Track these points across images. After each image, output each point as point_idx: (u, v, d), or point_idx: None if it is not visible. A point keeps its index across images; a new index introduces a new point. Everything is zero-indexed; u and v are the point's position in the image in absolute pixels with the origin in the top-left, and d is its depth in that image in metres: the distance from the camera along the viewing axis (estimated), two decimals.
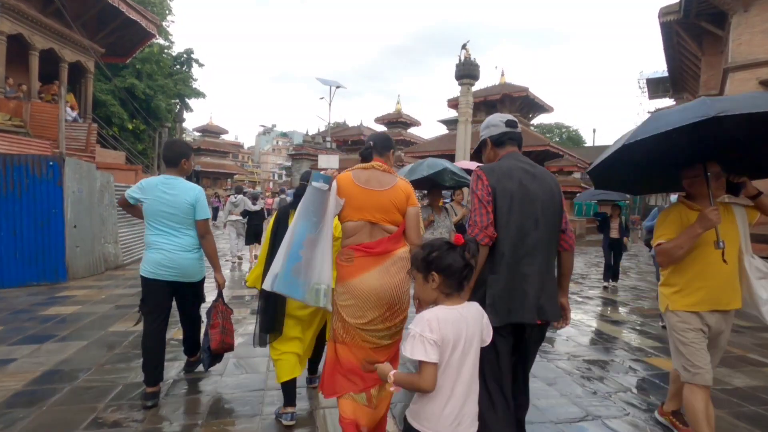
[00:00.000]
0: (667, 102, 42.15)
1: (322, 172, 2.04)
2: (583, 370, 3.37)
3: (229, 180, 39.73)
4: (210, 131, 42.06)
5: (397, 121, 37.32)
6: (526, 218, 1.67)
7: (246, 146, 75.19)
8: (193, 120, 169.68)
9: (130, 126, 19.00)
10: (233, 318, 2.96)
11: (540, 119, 38.72)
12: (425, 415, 1.31)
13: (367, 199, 1.94)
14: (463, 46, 19.19)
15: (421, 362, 1.25)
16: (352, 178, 1.98)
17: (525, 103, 30.28)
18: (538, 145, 26.65)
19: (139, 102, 18.73)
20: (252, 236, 8.52)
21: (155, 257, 2.48)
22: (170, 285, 2.55)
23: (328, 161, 19.21)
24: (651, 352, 3.87)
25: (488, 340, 1.42)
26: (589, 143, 49.84)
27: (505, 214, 1.66)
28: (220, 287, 2.73)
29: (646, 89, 41.61)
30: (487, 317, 1.43)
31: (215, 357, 2.77)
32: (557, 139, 47.93)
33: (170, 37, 22.81)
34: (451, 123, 49.81)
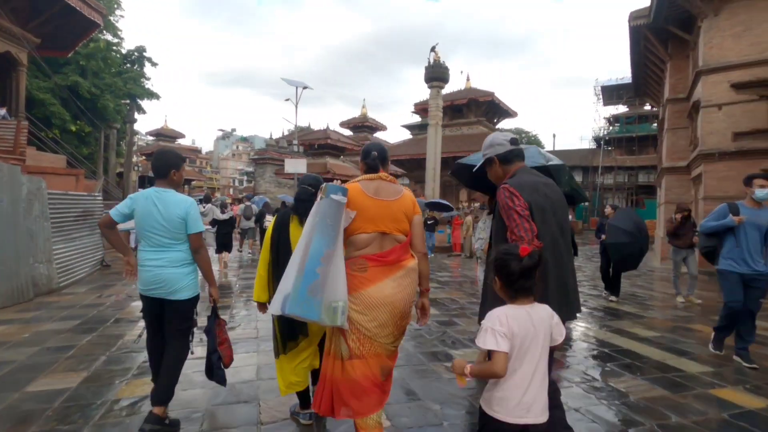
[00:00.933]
0: (621, 108, 44.19)
1: (334, 183, 1.96)
2: (657, 415, 2.72)
3: (186, 187, 37.55)
4: (165, 135, 39.75)
5: (363, 125, 36.76)
6: (555, 227, 1.84)
7: (204, 151, 72.09)
8: (147, 123, 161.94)
9: (73, 128, 17.15)
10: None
11: (502, 124, 39.16)
12: (497, 401, 1.44)
13: (381, 210, 1.93)
14: (432, 49, 18.89)
15: (492, 351, 1.39)
16: (362, 189, 1.94)
17: (490, 108, 30.50)
18: None
19: (84, 102, 16.95)
20: (221, 245, 8.29)
21: (145, 277, 2.39)
22: (161, 302, 2.42)
23: (296, 165, 18.11)
24: (711, 381, 3.29)
25: (559, 339, 1.52)
26: (549, 147, 51.30)
27: (541, 225, 1.78)
28: (215, 302, 2.57)
29: (601, 96, 43.62)
30: (557, 318, 1.53)
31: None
32: None
33: (119, 32, 21.03)
34: (415, 128, 50.18)
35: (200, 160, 62.42)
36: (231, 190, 56.36)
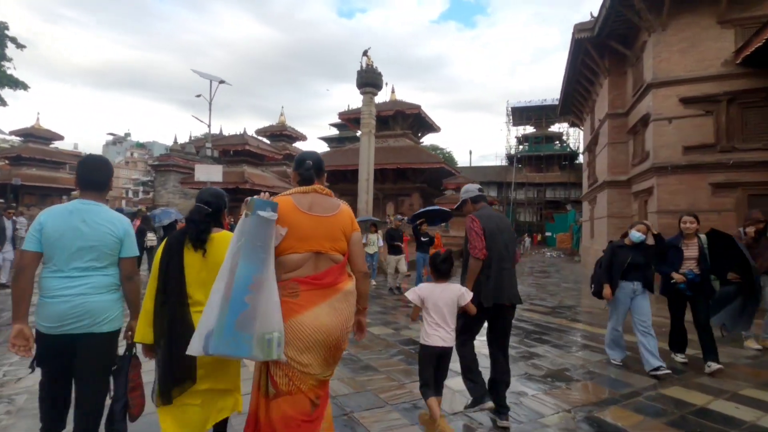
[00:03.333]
0: (529, 129, 47.28)
1: (259, 197, 1.72)
2: None
3: (64, 197, 31.31)
4: (36, 136, 33.04)
5: (282, 134, 34.24)
6: (501, 244, 2.78)
7: None
8: (11, 120, 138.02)
9: None
10: None
11: (425, 138, 39.28)
12: (427, 336, 2.63)
13: (315, 227, 1.80)
14: (365, 53, 17.46)
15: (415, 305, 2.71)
16: (294, 204, 1.80)
17: (416, 121, 29.95)
18: (434, 163, 26.39)
19: None
20: None
21: (59, 309, 1.93)
22: (75, 338, 1.97)
23: (209, 173, 15.32)
24: None
25: (462, 303, 2.64)
26: (465, 164, 52.87)
27: (490, 241, 2.73)
28: (133, 337, 2.06)
29: (511, 117, 46.28)
30: (464, 291, 2.66)
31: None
32: None
33: None
34: (333, 141, 48.78)
35: None
36: (124, 202, 49.25)
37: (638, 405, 3.07)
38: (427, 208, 9.35)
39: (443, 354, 2.63)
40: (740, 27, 10.41)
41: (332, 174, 26.74)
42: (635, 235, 3.95)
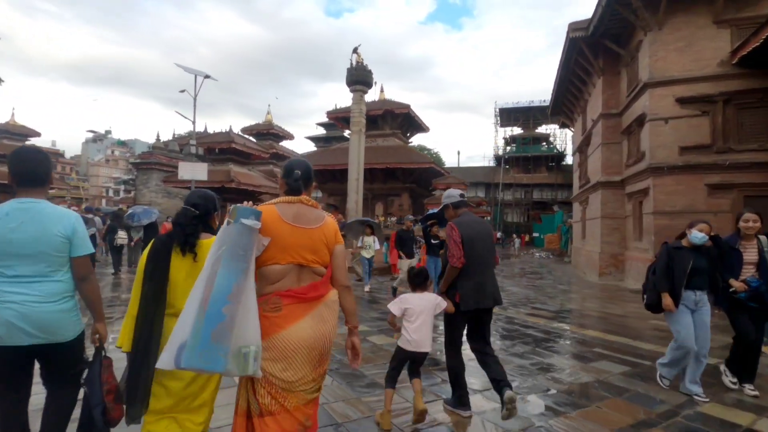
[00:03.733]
0: (517, 130, 47.34)
1: (244, 204, 1.68)
2: None
3: None
4: (12, 132, 31.60)
5: (268, 133, 33.58)
6: (480, 249, 2.91)
7: (69, 155, 60.87)
8: None
9: None
10: None
11: (414, 139, 39.02)
12: (405, 340, 2.80)
13: (299, 239, 1.75)
14: (355, 50, 17.07)
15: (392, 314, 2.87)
16: (278, 214, 1.74)
17: (405, 121, 29.65)
18: (424, 163, 26.11)
19: None
20: None
21: (4, 315, 1.78)
22: (30, 351, 1.87)
23: (193, 171, 14.71)
24: None
25: (439, 311, 2.88)
26: (453, 164, 52.80)
27: (469, 249, 2.85)
28: (101, 340, 2.02)
29: (499, 117, 46.31)
30: (440, 299, 2.89)
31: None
32: None
33: None
34: (320, 140, 48.19)
35: (63, 165, 52.33)
36: (104, 201, 47.92)
37: (681, 427, 2.78)
38: (434, 211, 8.95)
39: (417, 358, 2.86)
40: (736, 27, 10.34)
41: (320, 174, 26.28)
42: (698, 236, 3.32)
